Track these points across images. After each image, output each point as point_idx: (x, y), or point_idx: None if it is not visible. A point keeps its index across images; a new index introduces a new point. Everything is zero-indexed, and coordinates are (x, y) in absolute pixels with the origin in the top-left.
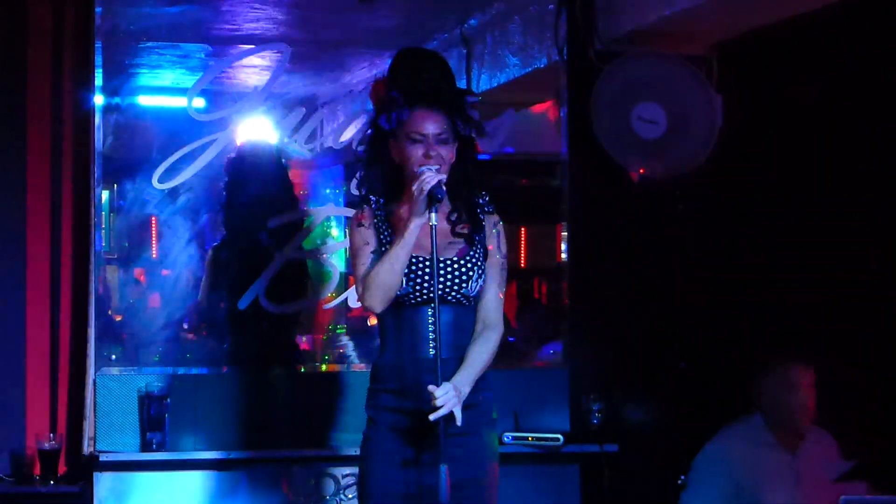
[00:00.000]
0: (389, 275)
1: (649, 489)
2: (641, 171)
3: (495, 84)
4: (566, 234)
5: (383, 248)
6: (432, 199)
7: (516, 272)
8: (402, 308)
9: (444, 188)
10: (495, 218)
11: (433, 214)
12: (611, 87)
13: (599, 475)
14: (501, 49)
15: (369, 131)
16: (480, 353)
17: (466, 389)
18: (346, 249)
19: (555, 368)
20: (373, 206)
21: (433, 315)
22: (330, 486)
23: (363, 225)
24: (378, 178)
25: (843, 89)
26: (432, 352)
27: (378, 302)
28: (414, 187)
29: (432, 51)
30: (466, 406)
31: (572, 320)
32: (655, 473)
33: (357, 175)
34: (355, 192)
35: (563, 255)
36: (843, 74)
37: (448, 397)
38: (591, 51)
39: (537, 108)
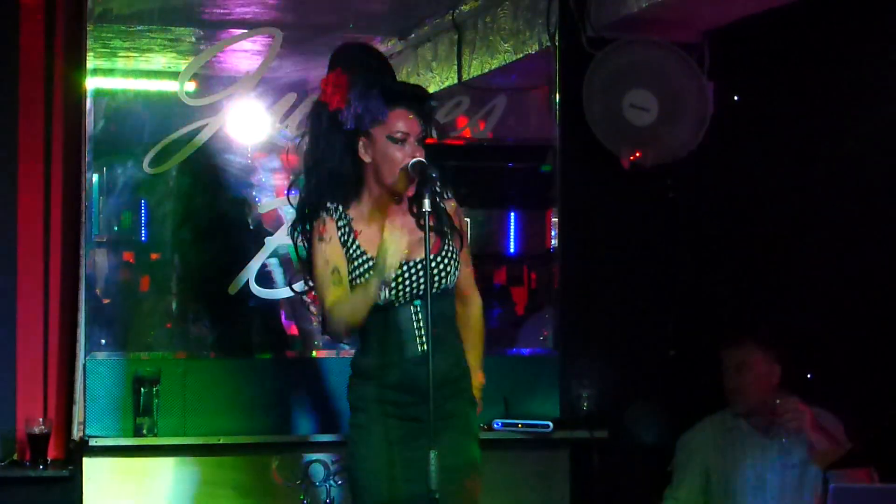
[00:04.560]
0: (351, 317)
1: (639, 475)
2: (633, 157)
3: (487, 70)
4: (557, 220)
5: (349, 254)
6: (423, 177)
7: (505, 258)
8: (384, 310)
9: (424, 162)
10: (452, 203)
11: (426, 200)
12: (602, 73)
13: (589, 461)
14: (493, 35)
15: (324, 126)
16: (476, 332)
17: (480, 374)
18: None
19: (545, 355)
20: (333, 214)
21: (416, 313)
22: (319, 472)
23: (324, 239)
24: (338, 182)
25: (834, 76)
26: (420, 348)
27: (343, 333)
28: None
29: (372, 46)
30: (455, 394)
31: (562, 307)
32: (645, 460)
33: (299, 182)
34: (295, 198)
35: (554, 241)
36: (835, 61)
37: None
38: (582, 37)
39: (529, 95)
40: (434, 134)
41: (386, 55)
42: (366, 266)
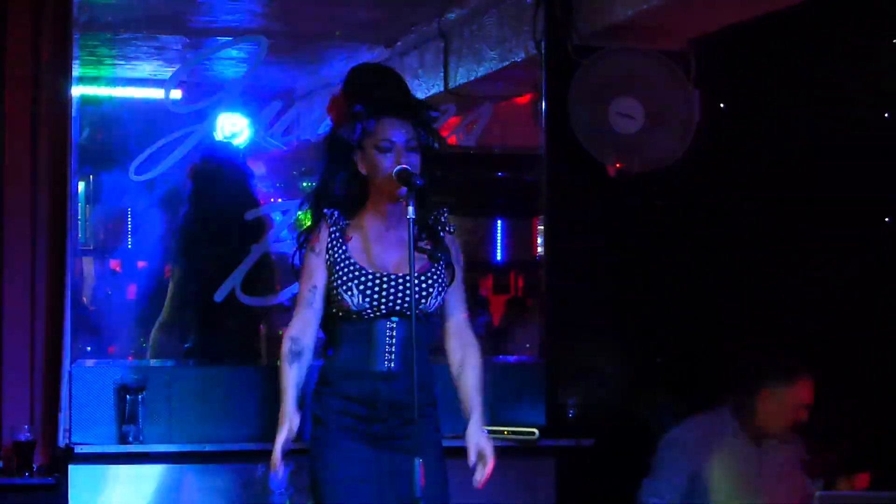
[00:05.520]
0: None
1: (625, 484)
2: (618, 165)
3: (473, 78)
4: (543, 227)
5: (332, 261)
6: (408, 184)
7: (492, 266)
8: (359, 320)
9: (414, 173)
10: (454, 238)
11: (410, 208)
12: (588, 81)
13: (575, 469)
14: (479, 43)
15: (327, 144)
16: (476, 378)
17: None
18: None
19: (531, 362)
20: (328, 220)
21: (391, 329)
22: (305, 479)
23: (314, 251)
24: (339, 191)
25: (819, 83)
26: (387, 364)
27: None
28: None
29: (387, 66)
30: (420, 417)
31: (549, 314)
32: (631, 468)
33: (311, 189)
34: (305, 207)
35: (540, 249)
36: (820, 69)
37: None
38: (568, 45)
39: (515, 102)
40: (433, 142)
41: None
42: (347, 271)
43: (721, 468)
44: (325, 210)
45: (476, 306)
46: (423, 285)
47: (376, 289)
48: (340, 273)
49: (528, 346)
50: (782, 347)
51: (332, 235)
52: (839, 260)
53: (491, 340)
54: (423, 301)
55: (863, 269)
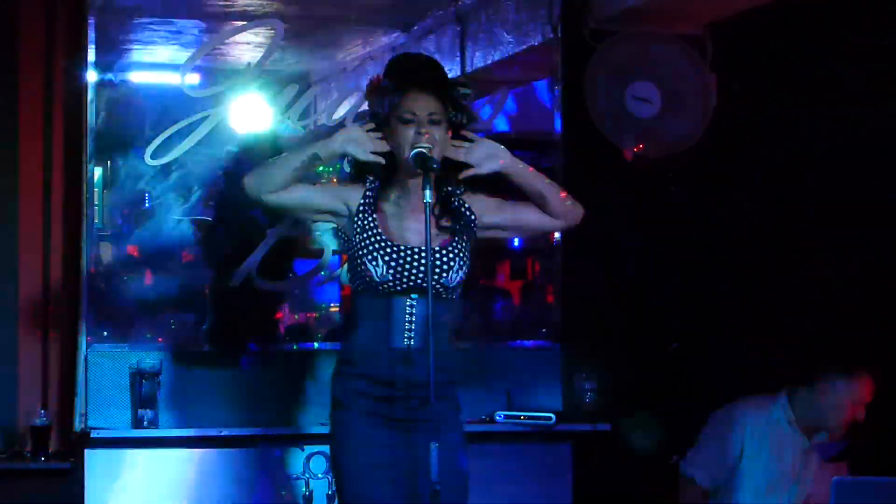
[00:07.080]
0: (277, 168)
1: (641, 468)
2: (635, 149)
3: (489, 62)
4: None
5: (360, 228)
6: (424, 168)
7: (509, 251)
8: (379, 295)
9: (431, 157)
10: (469, 193)
11: (427, 192)
12: (605, 65)
13: (591, 454)
14: (496, 27)
15: (369, 119)
16: None
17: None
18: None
19: (547, 347)
20: (366, 184)
21: (411, 306)
22: (322, 464)
23: (336, 186)
24: (376, 171)
25: (838, 68)
26: (406, 342)
27: (253, 185)
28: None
29: (423, 55)
30: (438, 398)
31: (565, 299)
32: (647, 453)
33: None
34: (347, 169)
35: (556, 235)
36: (839, 53)
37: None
38: (585, 29)
39: (531, 87)
40: (461, 117)
41: (390, 47)
42: (375, 240)
43: (770, 453)
44: (367, 177)
45: (494, 292)
46: (444, 259)
47: (400, 261)
48: (367, 242)
49: (544, 331)
50: (843, 342)
51: (365, 200)
52: (858, 248)
53: (507, 326)
54: (444, 275)
55: (863, 269)
